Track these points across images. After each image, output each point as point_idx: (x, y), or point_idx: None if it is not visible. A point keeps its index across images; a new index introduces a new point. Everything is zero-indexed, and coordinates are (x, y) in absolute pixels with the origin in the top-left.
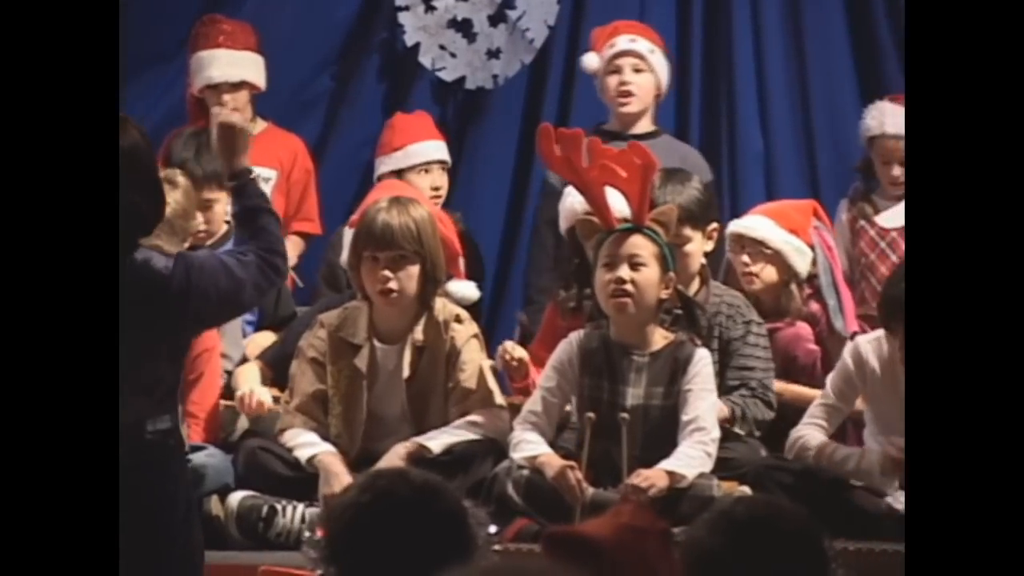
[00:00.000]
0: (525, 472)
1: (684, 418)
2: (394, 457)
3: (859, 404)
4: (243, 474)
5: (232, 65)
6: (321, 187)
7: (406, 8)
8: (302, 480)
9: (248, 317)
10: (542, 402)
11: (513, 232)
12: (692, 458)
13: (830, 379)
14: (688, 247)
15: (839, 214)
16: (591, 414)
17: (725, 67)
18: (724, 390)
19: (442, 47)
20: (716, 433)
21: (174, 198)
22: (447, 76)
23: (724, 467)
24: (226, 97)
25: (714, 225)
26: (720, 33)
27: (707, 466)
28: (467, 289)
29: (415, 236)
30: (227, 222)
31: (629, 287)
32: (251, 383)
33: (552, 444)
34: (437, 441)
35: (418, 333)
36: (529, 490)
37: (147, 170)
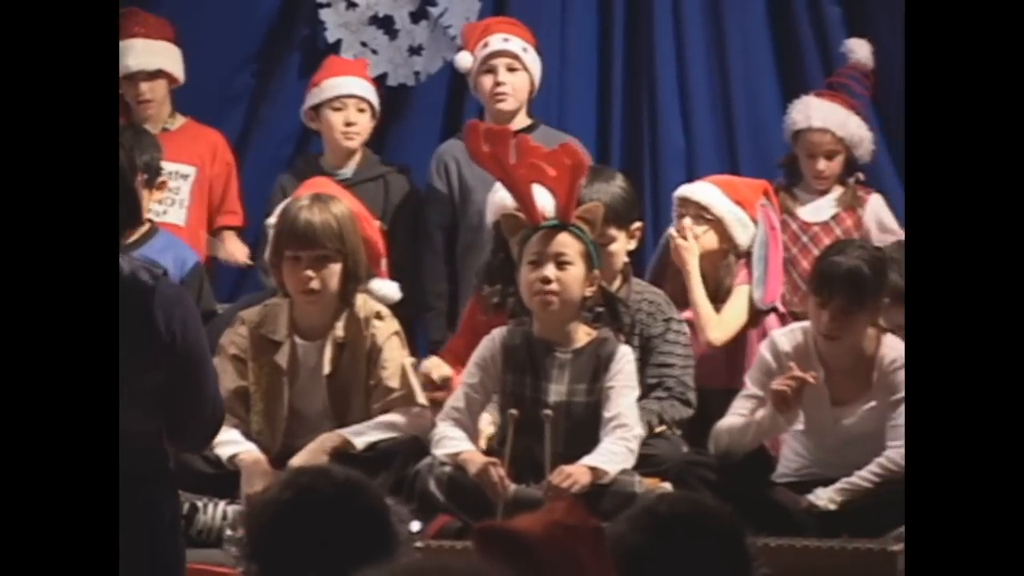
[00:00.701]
0: (447, 469)
1: (606, 415)
2: (318, 448)
3: None
4: None
5: (148, 54)
6: (243, 183)
7: (327, 5)
8: (223, 477)
9: None
10: (465, 398)
11: None
12: (614, 454)
13: (749, 373)
14: (612, 246)
15: None
16: (514, 411)
17: (647, 64)
18: (643, 387)
19: (364, 44)
20: (639, 430)
21: None
22: (368, 73)
23: (646, 463)
24: (143, 87)
25: (637, 224)
26: (641, 30)
27: (629, 462)
28: (389, 289)
29: (337, 234)
30: (149, 220)
31: (555, 285)
32: None
33: (474, 440)
34: (361, 438)
35: (339, 330)
36: (451, 487)
37: (124, 178)
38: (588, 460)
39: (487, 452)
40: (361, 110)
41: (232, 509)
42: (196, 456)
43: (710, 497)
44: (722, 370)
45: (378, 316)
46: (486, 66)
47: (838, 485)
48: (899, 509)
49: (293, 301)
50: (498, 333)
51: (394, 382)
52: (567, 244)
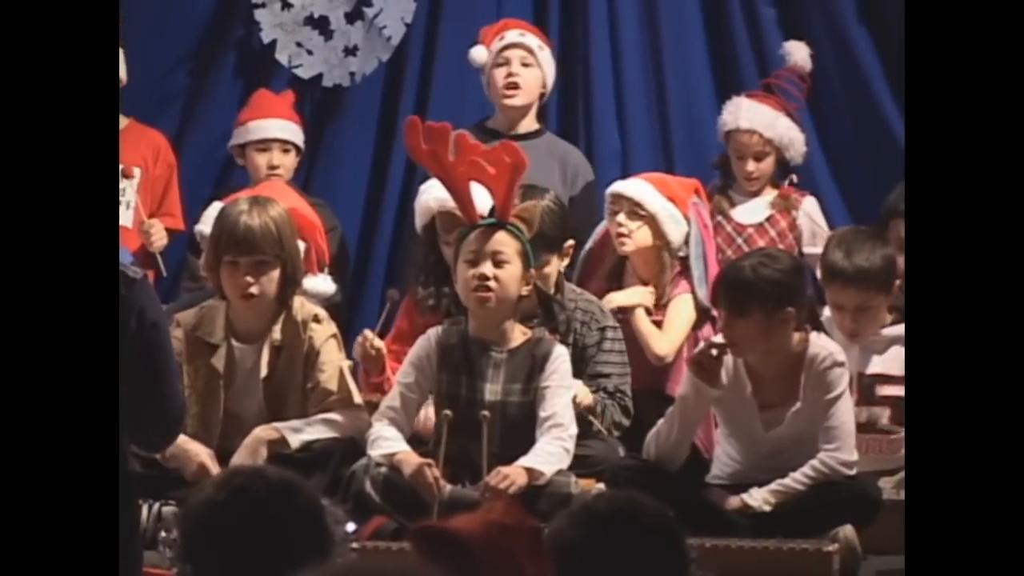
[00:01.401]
0: (383, 470)
1: (542, 414)
2: (255, 442)
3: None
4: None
5: None
6: (179, 183)
7: (262, 5)
8: (156, 478)
9: None
10: (400, 397)
11: (371, 228)
12: (551, 455)
13: (681, 384)
14: (546, 269)
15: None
16: (448, 411)
17: (582, 65)
18: None
19: (299, 44)
20: (574, 429)
21: None
22: (304, 73)
23: (582, 464)
24: None
25: (570, 242)
26: (576, 32)
27: (565, 462)
28: (322, 284)
29: (276, 240)
30: None
31: (492, 283)
32: None
33: (410, 441)
34: (297, 435)
35: (276, 333)
36: (387, 488)
37: None
38: (524, 461)
39: (423, 453)
40: (286, 151)
41: (166, 510)
42: (129, 457)
43: (648, 496)
44: (648, 371)
45: (316, 319)
46: (500, 59)
47: (772, 486)
48: (833, 510)
49: (230, 304)
50: (433, 332)
51: (332, 384)
52: (504, 243)
